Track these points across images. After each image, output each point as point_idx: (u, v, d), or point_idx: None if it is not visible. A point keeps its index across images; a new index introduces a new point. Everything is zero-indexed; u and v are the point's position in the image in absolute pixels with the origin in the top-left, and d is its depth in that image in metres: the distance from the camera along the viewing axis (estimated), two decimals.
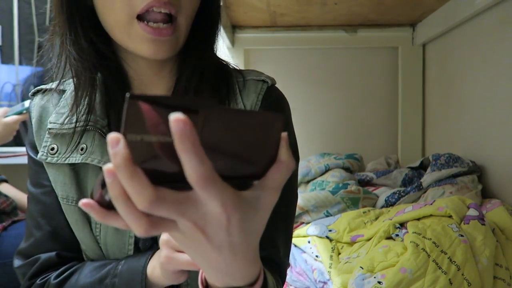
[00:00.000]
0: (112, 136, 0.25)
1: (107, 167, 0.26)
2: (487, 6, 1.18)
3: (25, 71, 2.01)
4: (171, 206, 0.27)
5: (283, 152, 0.29)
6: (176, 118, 0.24)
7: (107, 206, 0.29)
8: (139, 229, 0.27)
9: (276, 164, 0.29)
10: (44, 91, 0.64)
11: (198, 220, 0.28)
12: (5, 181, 1.53)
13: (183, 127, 0.24)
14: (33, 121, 0.62)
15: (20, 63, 2.02)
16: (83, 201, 0.28)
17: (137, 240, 0.59)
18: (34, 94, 0.65)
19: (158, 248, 0.55)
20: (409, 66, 1.75)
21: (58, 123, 0.59)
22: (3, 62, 1.98)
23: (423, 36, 1.66)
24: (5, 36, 1.99)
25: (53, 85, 0.63)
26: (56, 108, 0.61)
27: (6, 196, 1.38)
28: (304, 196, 1.30)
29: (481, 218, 0.95)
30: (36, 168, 0.61)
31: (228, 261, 0.31)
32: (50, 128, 0.60)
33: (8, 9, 1.99)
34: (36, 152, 0.61)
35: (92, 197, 0.30)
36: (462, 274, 0.83)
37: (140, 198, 0.26)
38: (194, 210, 0.28)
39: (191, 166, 0.25)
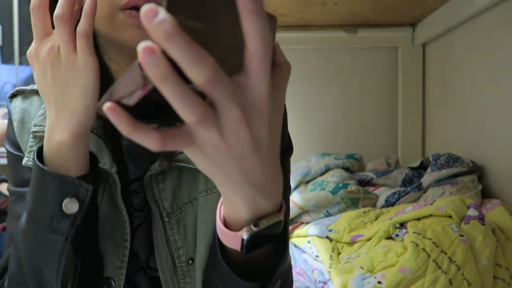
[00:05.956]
0: (148, 7, 0.23)
1: (144, 44, 0.23)
2: (487, 6, 1.18)
3: (25, 71, 2.01)
4: (227, 85, 0.26)
5: (281, 56, 0.32)
6: None
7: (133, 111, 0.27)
8: (158, 138, 0.26)
9: (277, 67, 0.31)
10: (25, 93, 0.61)
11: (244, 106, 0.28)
12: (5, 181, 1.53)
13: None
14: (15, 124, 0.59)
15: (20, 63, 2.02)
16: (108, 105, 0.26)
17: (130, 253, 0.55)
18: (14, 96, 0.61)
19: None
20: (409, 66, 1.75)
21: (43, 125, 0.55)
22: (3, 62, 1.98)
23: (423, 36, 1.66)
24: (5, 36, 1.99)
25: (34, 86, 0.60)
26: (40, 110, 0.57)
27: (6, 196, 1.38)
28: (304, 196, 1.30)
29: (481, 218, 0.95)
30: (20, 164, 0.57)
31: (251, 166, 0.30)
32: (35, 131, 0.56)
33: (8, 9, 1.99)
34: (19, 150, 0.58)
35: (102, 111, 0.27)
36: (462, 274, 0.83)
37: (202, 66, 0.23)
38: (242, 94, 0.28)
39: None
